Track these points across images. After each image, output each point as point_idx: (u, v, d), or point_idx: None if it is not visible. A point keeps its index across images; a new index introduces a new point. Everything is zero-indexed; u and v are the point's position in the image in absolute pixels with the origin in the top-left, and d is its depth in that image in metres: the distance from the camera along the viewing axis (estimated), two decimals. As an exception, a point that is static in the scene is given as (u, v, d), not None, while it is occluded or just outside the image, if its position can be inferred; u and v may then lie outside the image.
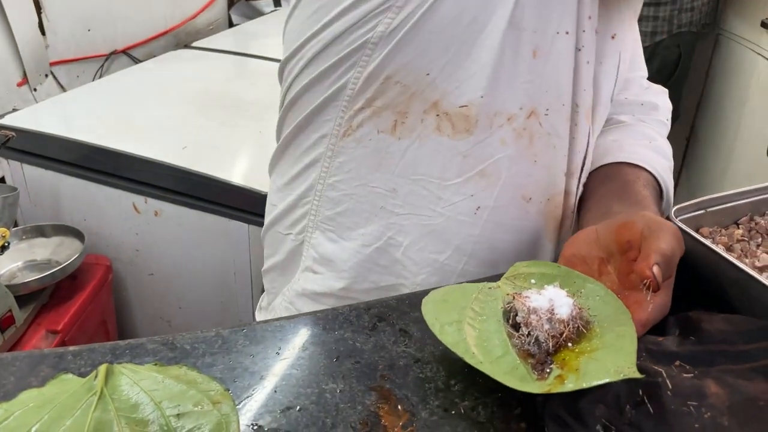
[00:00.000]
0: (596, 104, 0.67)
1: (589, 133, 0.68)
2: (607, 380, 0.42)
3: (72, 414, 0.43)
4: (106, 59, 2.07)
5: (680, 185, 2.22)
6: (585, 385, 0.42)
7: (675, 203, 0.60)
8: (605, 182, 0.71)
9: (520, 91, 0.61)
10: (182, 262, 1.48)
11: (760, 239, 0.57)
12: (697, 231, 0.54)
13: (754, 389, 0.41)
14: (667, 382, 0.43)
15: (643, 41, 0.81)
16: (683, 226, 0.53)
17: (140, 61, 2.10)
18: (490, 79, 0.60)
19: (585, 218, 0.68)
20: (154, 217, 1.43)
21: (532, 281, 0.53)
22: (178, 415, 0.44)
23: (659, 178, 0.70)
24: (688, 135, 2.18)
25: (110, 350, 0.51)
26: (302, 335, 0.54)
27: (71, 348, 0.51)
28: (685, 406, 0.41)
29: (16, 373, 0.49)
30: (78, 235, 1.45)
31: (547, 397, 0.45)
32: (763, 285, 0.47)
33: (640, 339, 0.46)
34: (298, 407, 0.47)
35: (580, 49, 0.62)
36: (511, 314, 0.49)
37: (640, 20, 0.76)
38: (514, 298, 0.50)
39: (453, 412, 0.47)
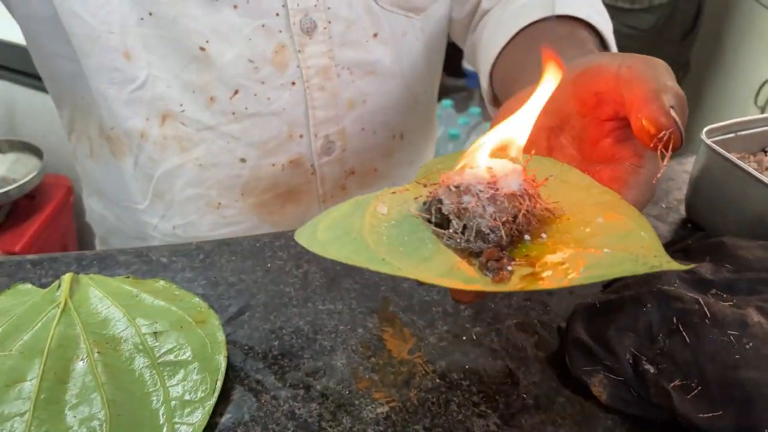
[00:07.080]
0: None
1: None
2: (625, 273, 0.28)
3: (31, 327, 0.37)
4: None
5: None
6: (589, 281, 0.28)
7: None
8: (533, 45, 0.52)
9: None
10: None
11: (789, 167, 0.53)
12: (727, 155, 0.49)
13: (802, 319, 0.37)
14: (705, 309, 0.39)
15: None
16: (716, 147, 0.49)
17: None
18: None
19: (514, 88, 0.45)
20: (119, 135, 1.34)
21: None
22: (155, 333, 0.39)
23: (606, 38, 0.54)
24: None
25: (75, 260, 0.45)
26: (295, 251, 0.48)
27: (30, 256, 0.45)
28: (724, 335, 0.37)
29: (-36, 283, 0.43)
30: (36, 152, 1.35)
31: (569, 323, 0.41)
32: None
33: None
34: (291, 329, 0.42)
35: None
36: (433, 208, 0.33)
37: None
38: (434, 184, 0.34)
39: (464, 338, 0.42)
